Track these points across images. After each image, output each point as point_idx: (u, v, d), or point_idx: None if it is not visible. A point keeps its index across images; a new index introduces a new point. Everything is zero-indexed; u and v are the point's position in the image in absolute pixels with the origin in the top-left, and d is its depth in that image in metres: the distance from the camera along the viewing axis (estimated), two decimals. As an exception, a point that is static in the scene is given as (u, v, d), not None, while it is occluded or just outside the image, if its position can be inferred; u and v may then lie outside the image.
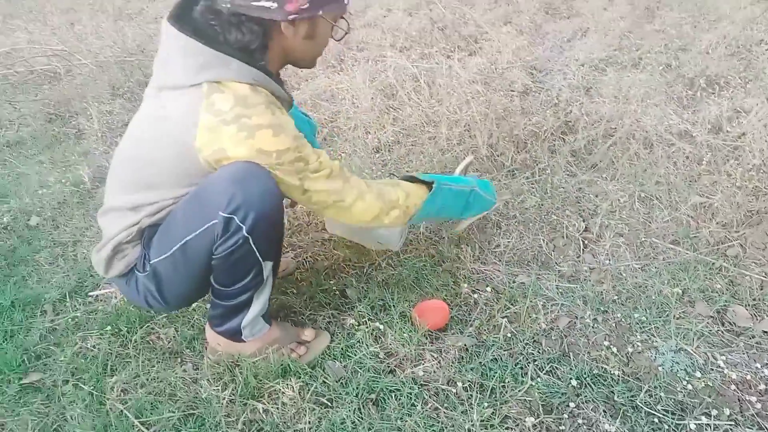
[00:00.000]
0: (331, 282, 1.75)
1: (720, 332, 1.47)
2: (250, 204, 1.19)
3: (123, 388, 1.40)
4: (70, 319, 1.64)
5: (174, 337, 1.56)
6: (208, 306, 1.46)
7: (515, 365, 1.41)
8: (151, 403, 1.34)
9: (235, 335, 1.43)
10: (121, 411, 1.31)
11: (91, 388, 1.39)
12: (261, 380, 1.38)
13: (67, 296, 1.73)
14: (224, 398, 1.34)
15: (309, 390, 1.36)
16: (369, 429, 1.24)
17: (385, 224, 1.44)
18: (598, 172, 2.09)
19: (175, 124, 1.23)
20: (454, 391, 1.34)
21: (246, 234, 1.21)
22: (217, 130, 1.20)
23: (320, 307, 1.65)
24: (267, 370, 1.40)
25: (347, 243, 1.90)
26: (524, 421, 1.25)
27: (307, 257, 1.89)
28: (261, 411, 1.32)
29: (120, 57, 3.49)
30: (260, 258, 1.27)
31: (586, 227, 1.87)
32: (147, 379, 1.41)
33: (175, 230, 1.27)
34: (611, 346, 1.45)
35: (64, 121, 2.99)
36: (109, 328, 1.58)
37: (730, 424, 1.24)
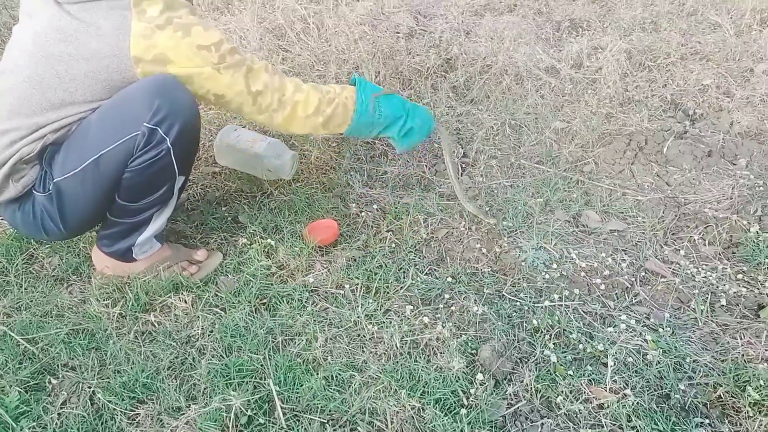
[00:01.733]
0: (223, 209, 1.78)
1: (574, 233, 1.68)
2: (175, 115, 1.20)
3: (5, 312, 1.37)
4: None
5: (59, 265, 1.53)
6: (98, 229, 1.45)
7: (398, 269, 1.53)
8: (37, 324, 1.33)
9: (125, 254, 1.44)
10: (5, 332, 1.29)
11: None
12: (152, 296, 1.41)
13: (-65, 234, 1.64)
14: (114, 313, 1.36)
15: (201, 301, 1.40)
16: (261, 328, 1.32)
17: (328, 117, 1.44)
18: (474, 105, 2.25)
19: (103, 37, 1.21)
20: (342, 292, 1.44)
21: (169, 145, 1.22)
22: (153, 35, 1.20)
23: (212, 231, 1.69)
24: (158, 286, 1.42)
25: (239, 174, 1.93)
26: (404, 311, 1.38)
27: (197, 189, 1.90)
28: (153, 322, 1.35)
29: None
30: (176, 171, 1.29)
31: (464, 153, 2.02)
32: (31, 302, 1.39)
33: (87, 144, 1.24)
34: (482, 248, 1.61)
35: None
36: (-12, 258, 1.53)
37: (580, 303, 1.44)
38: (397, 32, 2.63)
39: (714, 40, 2.45)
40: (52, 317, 1.36)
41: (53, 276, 1.50)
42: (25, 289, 1.44)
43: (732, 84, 2.18)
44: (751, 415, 1.13)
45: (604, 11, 2.81)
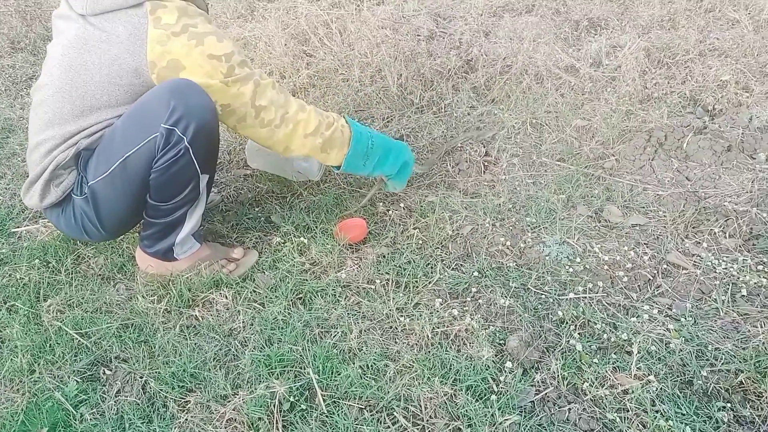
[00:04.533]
0: (256, 210, 1.86)
1: (597, 227, 1.72)
2: (190, 115, 1.28)
3: (58, 309, 1.46)
4: (-6, 255, 1.67)
5: (104, 264, 1.62)
6: (139, 231, 1.53)
7: (426, 265, 1.59)
8: (89, 319, 1.42)
9: (167, 254, 1.52)
10: (60, 327, 1.38)
11: (27, 311, 1.44)
12: (194, 292, 1.49)
13: (-10, 237, 1.74)
14: (160, 309, 1.44)
15: (241, 297, 1.48)
16: (299, 321, 1.39)
17: (326, 139, 1.51)
18: (495, 105, 2.30)
19: (122, 43, 1.29)
20: (373, 287, 1.51)
21: (187, 145, 1.30)
22: (168, 42, 1.28)
23: (246, 231, 1.76)
24: (200, 283, 1.50)
25: (269, 176, 2.01)
26: (434, 304, 1.44)
27: (230, 191, 1.98)
28: (197, 317, 1.43)
29: (20, 7, 3.32)
30: (198, 170, 1.37)
31: (486, 152, 2.07)
32: (82, 300, 1.48)
33: (114, 148, 1.33)
34: (506, 243, 1.66)
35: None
36: (37, 261, 1.62)
37: (603, 295, 1.49)
38: (418, 35, 2.69)
39: (732, 36, 2.47)
40: (102, 313, 1.45)
41: (100, 275, 1.59)
42: (75, 287, 1.53)
43: (751, 79, 2.21)
44: (772, 399, 1.17)
45: (621, 9, 2.84)
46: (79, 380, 1.26)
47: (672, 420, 1.13)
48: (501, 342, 1.34)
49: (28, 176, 1.45)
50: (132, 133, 1.32)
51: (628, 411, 1.17)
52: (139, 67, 1.31)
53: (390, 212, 1.81)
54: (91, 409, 1.20)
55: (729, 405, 1.17)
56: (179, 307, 1.45)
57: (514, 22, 2.72)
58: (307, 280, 1.53)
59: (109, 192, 1.38)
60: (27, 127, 1.84)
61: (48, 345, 1.35)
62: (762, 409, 1.17)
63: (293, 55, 2.57)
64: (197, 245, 1.57)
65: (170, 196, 1.40)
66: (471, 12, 2.89)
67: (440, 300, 1.44)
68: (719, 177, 1.84)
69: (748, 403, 1.18)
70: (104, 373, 1.29)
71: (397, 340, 1.35)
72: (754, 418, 1.15)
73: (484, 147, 2.08)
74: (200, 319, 1.43)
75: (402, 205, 1.84)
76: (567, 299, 1.46)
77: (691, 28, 2.53)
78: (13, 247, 1.71)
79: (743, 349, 1.29)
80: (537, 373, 1.26)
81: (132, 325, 1.41)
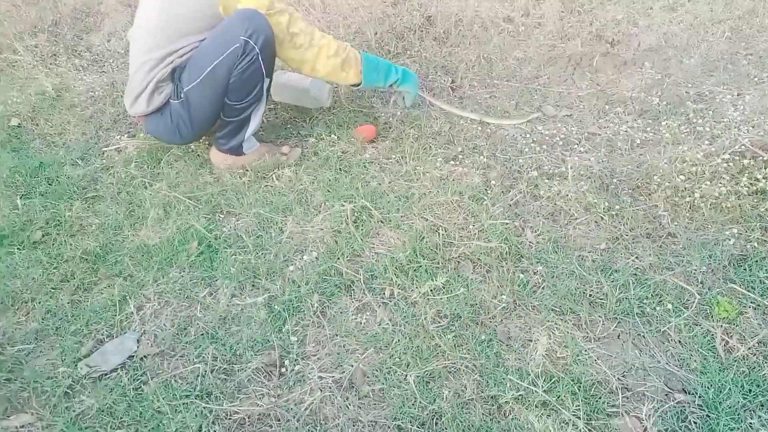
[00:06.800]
0: (288, 127, 2.45)
1: (539, 118, 2.41)
2: (260, 30, 1.85)
3: (167, 188, 2.00)
4: (98, 166, 2.18)
5: (185, 165, 2.17)
6: (215, 132, 2.10)
7: (422, 147, 2.23)
8: (198, 187, 1.98)
9: (238, 149, 2.09)
10: (176, 197, 1.94)
11: (144, 190, 1.99)
12: (265, 171, 2.07)
13: (84, 157, 2.25)
14: (243, 182, 2.02)
15: (298, 171, 2.08)
16: (344, 183, 2.00)
17: (344, 59, 2.04)
18: (453, 48, 2.97)
19: None
20: (390, 160, 2.14)
21: (258, 51, 1.87)
22: None
23: (286, 138, 2.35)
24: (267, 166, 2.08)
25: (288, 107, 2.59)
26: (435, 163, 2.08)
27: (266, 118, 2.55)
28: (271, 186, 2.02)
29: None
30: (264, 73, 1.94)
31: (452, 80, 2.74)
32: (186, 180, 2.04)
33: (203, 59, 1.89)
34: (478, 129, 2.33)
35: (-14, 58, 3.25)
36: (133, 165, 2.15)
37: (547, 152, 2.17)
38: (385, 2, 3.34)
39: (624, -10, 3.26)
40: (204, 185, 2.01)
41: (188, 170, 2.14)
42: (176, 173, 2.08)
43: (637, 18, 2.98)
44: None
45: (541, -24, 3.59)
46: (206, 218, 1.83)
47: (596, 200, 1.83)
48: (484, 173, 2.00)
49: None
50: (218, 46, 1.87)
51: (569, 198, 1.85)
52: (212, 1, 1.87)
53: (391, 120, 2.44)
54: (220, 232, 1.78)
55: (630, 194, 1.88)
56: (257, 181, 2.03)
57: (459, -11, 3.41)
58: (343, 159, 2.14)
59: (198, 95, 1.93)
60: (64, 86, 2.35)
61: (170, 205, 1.91)
62: (650, 196, 1.87)
63: (287, 21, 3.15)
64: (257, 144, 2.14)
65: (244, 95, 1.94)
66: (423, -16, 3.56)
67: (440, 160, 2.09)
68: (619, 81, 2.58)
69: (641, 192, 1.89)
70: (222, 213, 1.87)
71: (416, 181, 1.99)
72: (645, 197, 1.86)
73: (450, 77, 2.75)
74: (275, 185, 2.01)
75: (398, 112, 2.47)
76: (523, 156, 2.14)
77: (593, -14, 3.30)
78: (109, 161, 2.22)
79: (637, 167, 2.01)
80: (510, 190, 1.93)
81: (226, 190, 1.98)
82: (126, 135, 2.39)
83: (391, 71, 2.19)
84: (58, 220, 1.91)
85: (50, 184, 2.10)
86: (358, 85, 2.17)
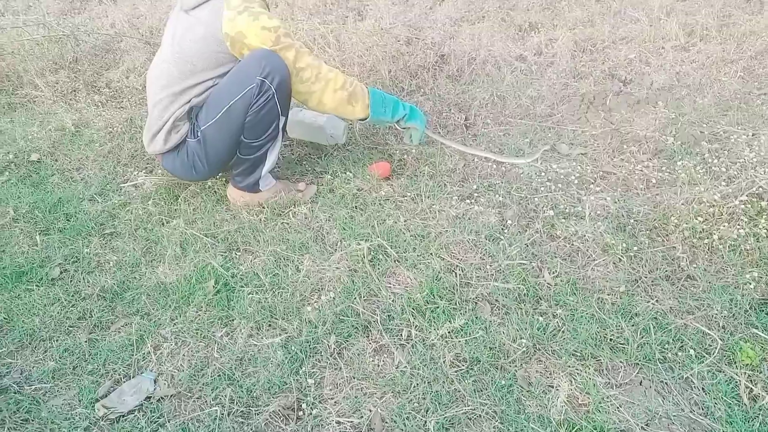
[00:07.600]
0: (304, 164, 2.47)
1: (553, 156, 2.42)
2: (276, 70, 1.88)
3: (184, 225, 2.02)
4: (116, 202, 2.21)
5: (202, 201, 2.19)
6: (231, 170, 2.12)
7: (437, 185, 2.24)
8: (215, 224, 1.99)
9: (254, 187, 2.11)
10: (194, 234, 1.95)
11: (159, 227, 2.00)
12: (281, 208, 2.08)
13: (102, 192, 2.28)
14: (259, 219, 2.03)
15: (314, 209, 2.09)
16: (360, 221, 2.01)
17: (350, 93, 2.05)
18: (467, 86, 3.01)
19: (207, 23, 1.90)
20: (406, 198, 2.15)
21: (274, 90, 1.89)
22: (235, 19, 1.88)
23: (302, 175, 2.37)
24: (283, 202, 2.10)
25: (304, 143, 2.62)
26: (450, 201, 2.09)
27: (281, 155, 2.58)
28: (287, 222, 2.03)
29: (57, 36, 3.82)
30: (279, 111, 1.97)
31: (465, 118, 2.77)
32: (202, 217, 2.05)
33: (220, 99, 1.92)
34: (493, 167, 2.34)
35: (8, 94, 3.33)
36: (150, 201, 2.17)
37: (562, 191, 2.17)
38: (398, 40, 3.40)
39: (634, 29, 3.30)
40: (221, 222, 2.02)
41: (205, 207, 2.16)
42: (194, 210, 2.10)
43: (649, 57, 3.01)
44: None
45: (553, 15, 3.65)
46: (223, 256, 1.84)
47: (613, 240, 1.82)
48: (500, 213, 2.00)
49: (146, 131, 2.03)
50: (234, 86, 1.90)
51: (587, 239, 1.85)
52: (218, 37, 1.90)
53: (404, 156, 2.46)
54: (237, 270, 1.79)
55: (648, 235, 1.87)
56: (273, 218, 2.04)
57: (472, 28, 3.48)
58: (358, 197, 2.15)
59: (215, 133, 1.95)
60: (84, 122, 2.40)
61: (187, 242, 1.92)
62: (667, 237, 1.87)
63: (303, 59, 3.21)
64: (274, 181, 2.16)
65: (260, 133, 1.96)
66: (437, 23, 3.63)
67: (455, 198, 2.10)
68: (633, 120, 2.60)
69: (658, 233, 1.89)
70: (239, 250, 1.88)
71: (430, 221, 1.99)
72: (663, 238, 1.85)
73: (464, 114, 2.78)
74: (291, 222, 2.02)
75: (414, 150, 2.49)
76: (539, 195, 2.14)
77: (605, 25, 3.35)
78: (127, 197, 2.25)
79: (654, 208, 2.00)
80: (527, 229, 1.93)
81: (242, 228, 1.99)
82: (144, 171, 2.42)
83: (399, 106, 2.21)
84: (76, 257, 1.92)
85: (68, 220, 2.12)
86: (365, 119, 2.18)
